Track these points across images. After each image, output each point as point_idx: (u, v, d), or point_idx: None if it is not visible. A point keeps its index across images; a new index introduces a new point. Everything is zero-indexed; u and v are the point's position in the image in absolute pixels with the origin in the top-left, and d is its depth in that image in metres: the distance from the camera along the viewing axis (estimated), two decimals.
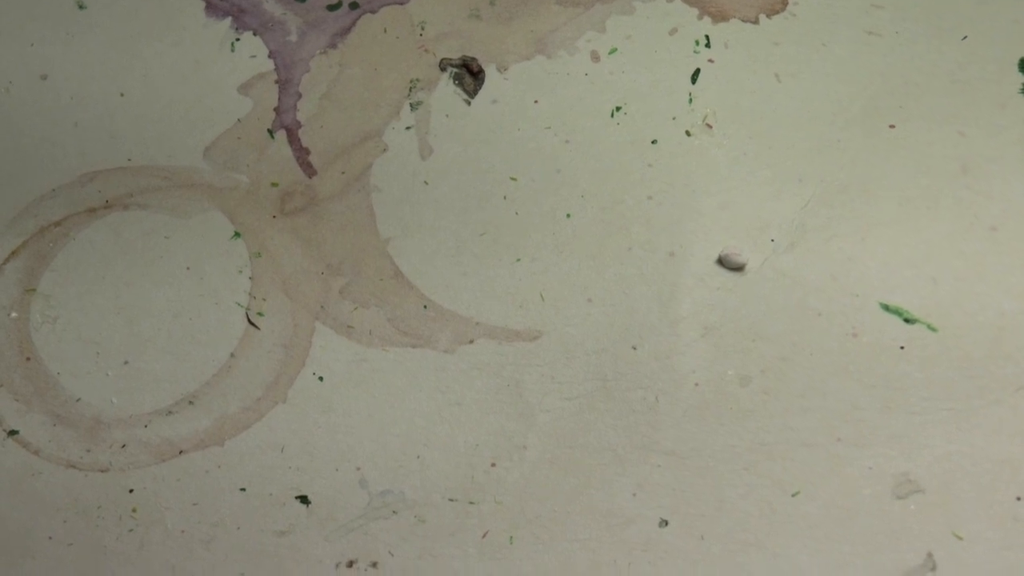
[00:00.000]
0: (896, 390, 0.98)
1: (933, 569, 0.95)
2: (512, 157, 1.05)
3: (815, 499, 0.97)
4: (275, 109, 1.07)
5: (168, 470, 1.02)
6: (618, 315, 1.01)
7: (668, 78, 1.05)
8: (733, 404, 0.99)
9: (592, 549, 0.98)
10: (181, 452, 1.02)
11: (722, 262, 1.01)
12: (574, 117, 1.05)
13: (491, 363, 1.01)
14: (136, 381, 1.03)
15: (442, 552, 0.99)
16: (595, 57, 1.06)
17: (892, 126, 1.03)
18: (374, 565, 0.99)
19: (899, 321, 0.98)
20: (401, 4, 1.09)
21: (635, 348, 1.00)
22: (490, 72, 1.07)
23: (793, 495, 0.97)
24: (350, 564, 1.00)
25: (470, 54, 1.07)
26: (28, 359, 1.04)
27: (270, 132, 1.07)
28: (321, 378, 1.02)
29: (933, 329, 0.98)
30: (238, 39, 1.09)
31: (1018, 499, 0.95)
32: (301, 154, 1.07)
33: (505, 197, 1.04)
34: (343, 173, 1.06)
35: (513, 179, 1.04)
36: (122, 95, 1.09)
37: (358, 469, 1.01)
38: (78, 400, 1.03)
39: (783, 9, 1.06)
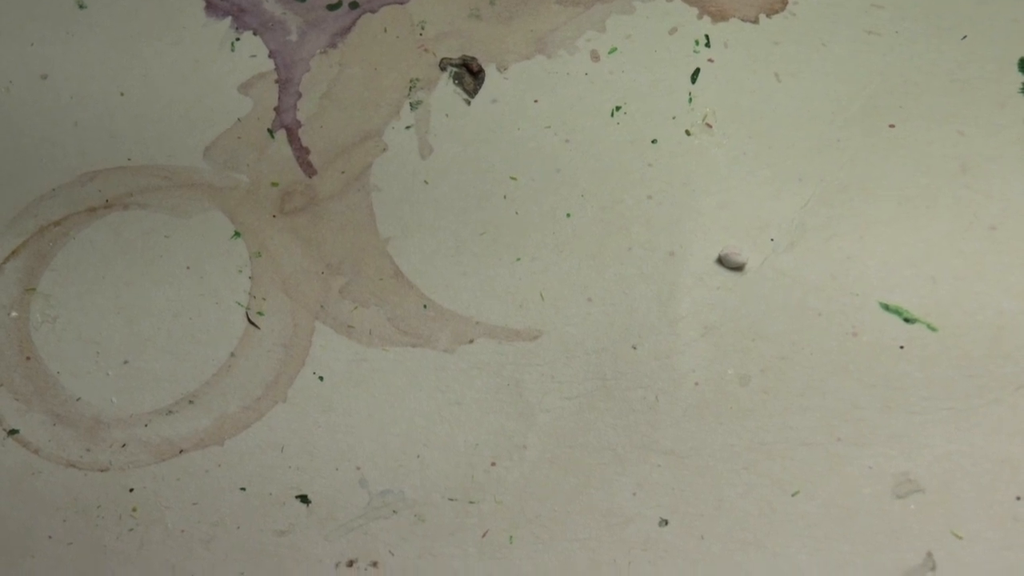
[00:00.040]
0: (896, 389, 0.98)
1: (933, 569, 0.95)
2: (512, 157, 1.05)
3: (815, 498, 0.97)
4: (275, 109, 1.07)
5: (168, 469, 1.02)
6: (618, 315, 1.01)
7: (668, 78, 1.05)
8: (733, 403, 0.99)
9: (592, 548, 0.98)
10: (181, 451, 1.02)
11: (722, 261, 1.01)
12: (574, 117, 1.05)
13: (491, 363, 1.01)
14: (136, 380, 1.03)
15: (442, 551, 0.99)
16: (595, 57, 1.06)
17: (892, 125, 1.03)
18: (374, 564, 0.99)
19: (899, 320, 0.98)
20: (401, 4, 1.09)
21: (635, 347, 1.00)
22: (490, 72, 1.07)
23: (793, 494, 0.97)
24: (350, 563, 1.00)
25: (470, 54, 1.07)
26: (28, 358, 1.04)
27: (270, 132, 1.07)
28: (321, 377, 1.02)
29: (933, 328, 0.98)
30: (238, 39, 1.09)
31: (1018, 499, 0.95)
32: (301, 154, 1.07)
33: (505, 197, 1.04)
34: (343, 173, 1.06)
35: (513, 179, 1.04)
36: (122, 95, 1.09)
37: (358, 468, 1.01)
38: (78, 399, 1.03)
39: (783, 9, 1.06)
